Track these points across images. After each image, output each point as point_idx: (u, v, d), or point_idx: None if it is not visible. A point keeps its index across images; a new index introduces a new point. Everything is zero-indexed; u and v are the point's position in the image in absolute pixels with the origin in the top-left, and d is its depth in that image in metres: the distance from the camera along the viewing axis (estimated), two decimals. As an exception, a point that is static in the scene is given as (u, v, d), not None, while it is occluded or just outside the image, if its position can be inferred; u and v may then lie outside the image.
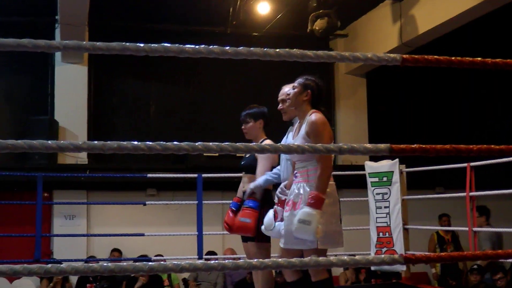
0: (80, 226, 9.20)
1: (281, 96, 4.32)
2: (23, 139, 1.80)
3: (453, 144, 2.11)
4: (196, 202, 6.85)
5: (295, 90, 3.96)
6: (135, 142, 1.86)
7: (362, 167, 7.02)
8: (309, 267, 1.79)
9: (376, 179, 6.86)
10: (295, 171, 3.93)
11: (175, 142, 1.89)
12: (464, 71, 10.57)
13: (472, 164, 6.09)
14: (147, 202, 7.22)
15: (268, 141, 4.68)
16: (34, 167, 8.35)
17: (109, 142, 1.84)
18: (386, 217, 6.84)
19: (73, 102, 9.60)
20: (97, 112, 9.92)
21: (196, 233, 6.86)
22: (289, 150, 1.91)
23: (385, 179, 6.82)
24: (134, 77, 10.16)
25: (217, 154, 9.79)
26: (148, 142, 1.87)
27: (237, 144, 1.92)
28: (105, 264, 1.79)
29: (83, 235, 8.94)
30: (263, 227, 4.20)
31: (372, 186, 6.88)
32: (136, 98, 10.27)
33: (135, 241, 8.79)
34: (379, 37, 9.68)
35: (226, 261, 1.87)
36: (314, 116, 3.82)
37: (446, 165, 6.57)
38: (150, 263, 1.82)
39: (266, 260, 1.87)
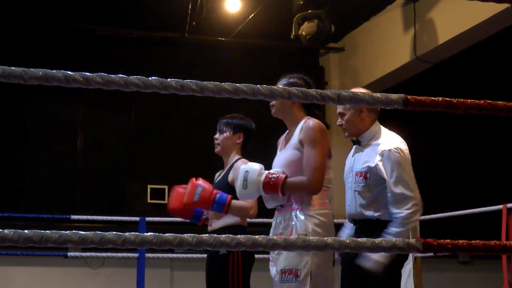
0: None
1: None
2: None
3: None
4: (137, 255, 6.78)
5: None
6: (69, 72, 1.86)
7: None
8: (297, 248, 1.79)
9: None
10: None
11: (120, 75, 1.90)
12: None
13: (510, 205, 6.12)
14: (69, 254, 7.14)
15: (242, 162, 4.74)
16: None
17: (32, 69, 1.84)
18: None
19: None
20: (4, 139, 9.84)
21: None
22: (272, 94, 1.91)
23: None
24: (56, 96, 10.06)
25: (165, 201, 9.73)
26: (85, 73, 1.88)
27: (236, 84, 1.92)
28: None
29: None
30: None
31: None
32: (59, 125, 10.19)
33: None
34: (386, 50, 9.80)
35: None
36: (311, 122, 4.03)
37: (470, 210, 6.60)
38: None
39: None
